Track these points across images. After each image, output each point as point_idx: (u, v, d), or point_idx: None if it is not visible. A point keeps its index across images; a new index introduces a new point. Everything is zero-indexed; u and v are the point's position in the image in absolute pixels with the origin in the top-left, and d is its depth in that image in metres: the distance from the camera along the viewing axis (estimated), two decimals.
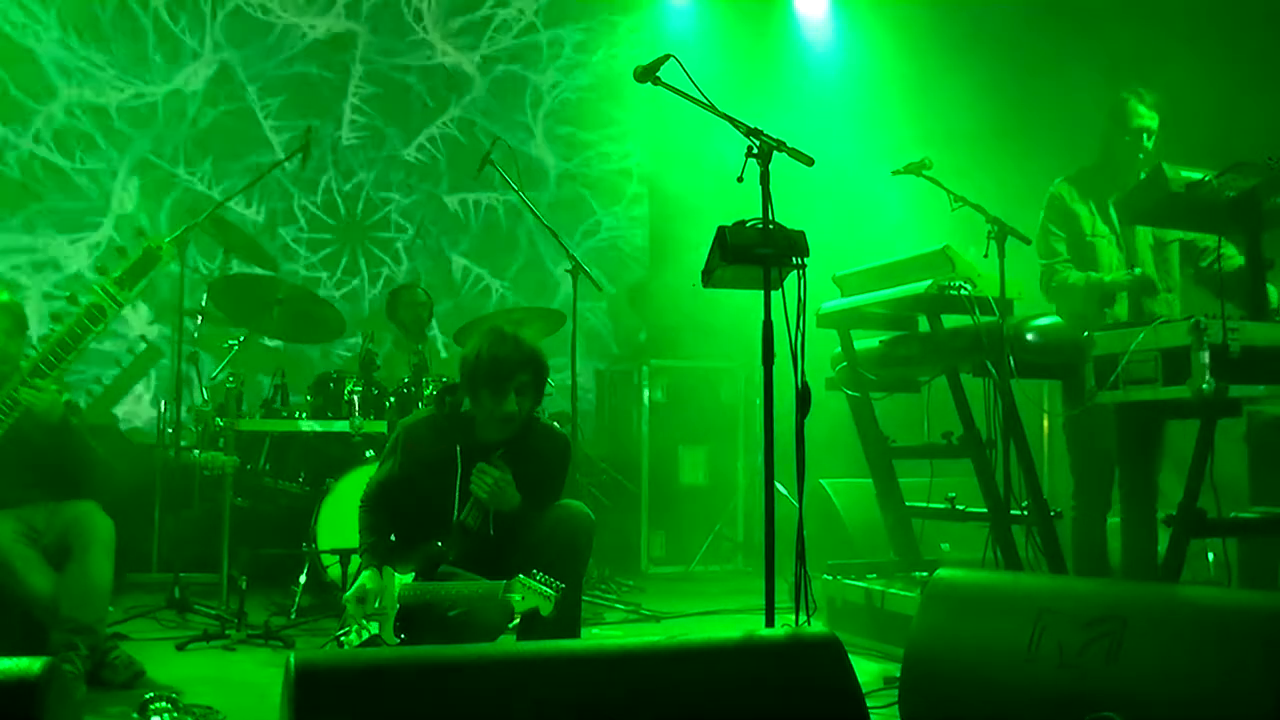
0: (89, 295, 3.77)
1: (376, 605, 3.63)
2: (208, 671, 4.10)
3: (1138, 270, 4.27)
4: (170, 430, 5.90)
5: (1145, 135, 4.33)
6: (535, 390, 3.73)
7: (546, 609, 3.28)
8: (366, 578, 3.66)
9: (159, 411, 6.54)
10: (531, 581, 3.30)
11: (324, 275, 7.65)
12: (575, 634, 3.62)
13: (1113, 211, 4.39)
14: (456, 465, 3.74)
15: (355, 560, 3.83)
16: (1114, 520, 4.35)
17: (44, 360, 3.73)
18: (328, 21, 7.73)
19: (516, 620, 3.77)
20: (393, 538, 3.82)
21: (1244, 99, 5.40)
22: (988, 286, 4.15)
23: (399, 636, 3.57)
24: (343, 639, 3.66)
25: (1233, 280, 4.17)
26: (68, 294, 3.87)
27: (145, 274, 3.81)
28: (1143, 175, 4.22)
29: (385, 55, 7.89)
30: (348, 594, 3.66)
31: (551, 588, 3.29)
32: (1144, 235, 4.39)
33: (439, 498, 3.74)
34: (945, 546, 5.83)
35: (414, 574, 3.65)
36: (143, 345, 7.15)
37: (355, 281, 7.74)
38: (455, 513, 3.71)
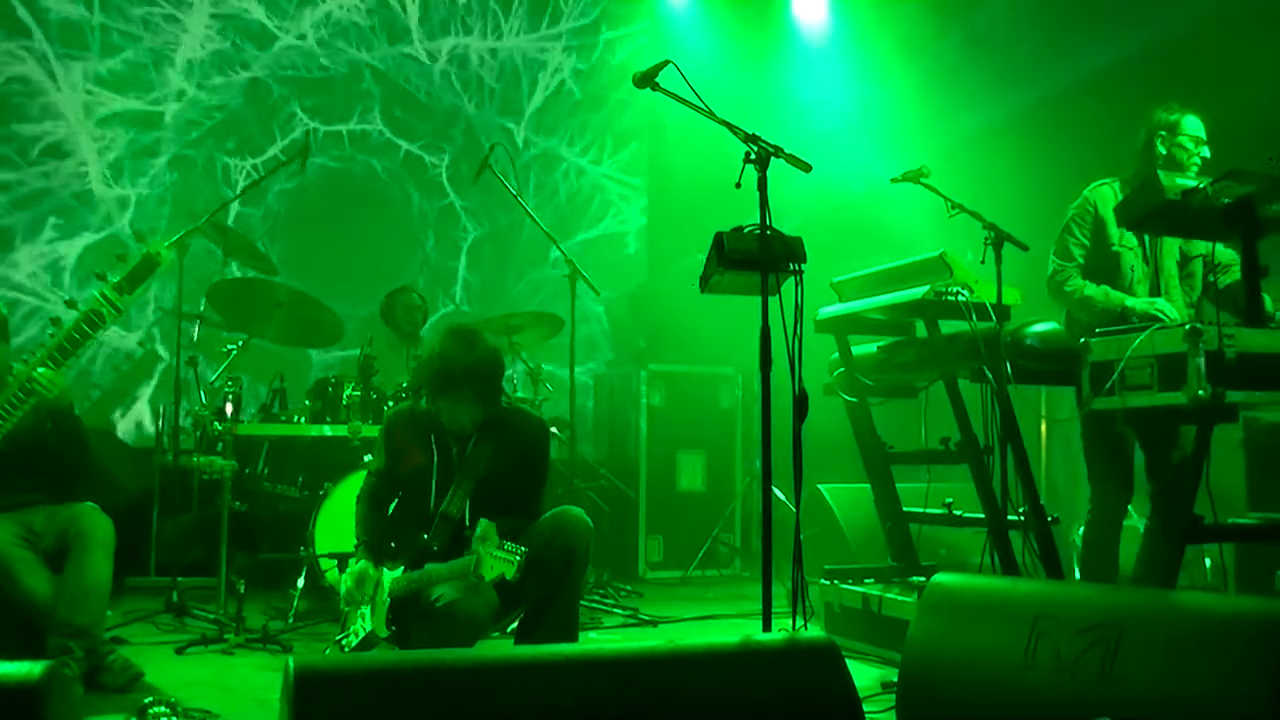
0: (88, 301, 3.78)
1: (372, 590, 3.67)
2: (206, 675, 4.10)
3: (1160, 305, 4.20)
4: (169, 435, 5.90)
5: (1205, 146, 4.29)
6: (483, 399, 3.74)
7: (510, 572, 3.35)
8: (365, 565, 3.76)
9: (157, 416, 6.55)
10: (498, 551, 3.38)
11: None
12: (573, 639, 3.64)
13: None
14: (432, 454, 3.82)
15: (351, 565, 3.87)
16: (1126, 525, 4.36)
17: (42, 365, 3.73)
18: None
19: (514, 625, 3.80)
20: (394, 544, 3.84)
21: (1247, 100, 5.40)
22: (985, 292, 4.15)
23: (390, 628, 3.61)
24: (343, 642, 3.69)
25: (1231, 292, 4.18)
26: (67, 299, 3.88)
27: (144, 279, 3.81)
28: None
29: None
30: (345, 579, 3.74)
31: (516, 553, 3.36)
32: (1170, 249, 4.36)
33: (418, 486, 3.84)
34: (943, 552, 5.84)
35: (403, 568, 3.69)
36: (141, 350, 7.16)
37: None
38: (432, 499, 3.78)
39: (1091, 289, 4.27)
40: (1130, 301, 4.18)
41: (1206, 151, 4.29)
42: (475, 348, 3.70)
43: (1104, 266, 4.34)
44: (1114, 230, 4.32)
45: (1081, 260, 4.34)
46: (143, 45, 7.21)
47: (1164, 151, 4.29)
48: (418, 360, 5.96)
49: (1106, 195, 4.38)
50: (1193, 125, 4.29)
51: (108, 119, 7.10)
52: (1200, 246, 4.34)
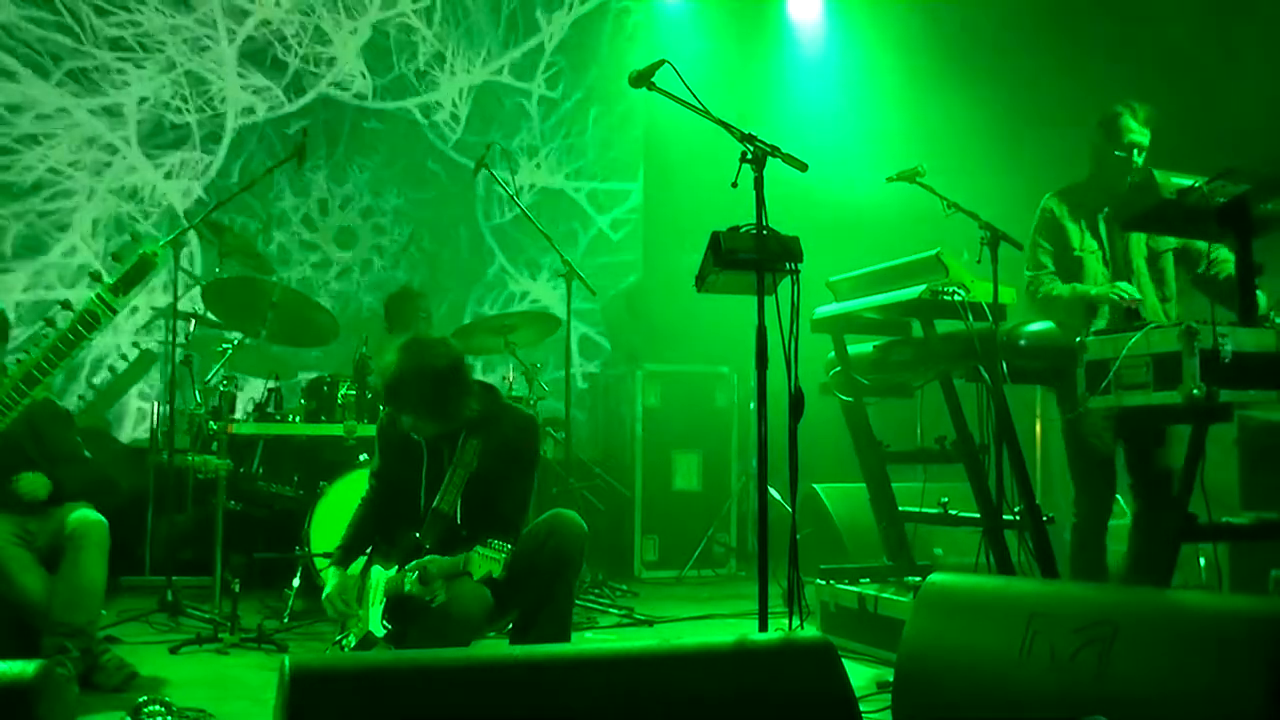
0: (83, 301, 3.78)
1: (342, 605, 3.68)
2: (201, 675, 4.09)
3: (1121, 286, 4.22)
4: (163, 434, 5.89)
5: (1136, 151, 4.27)
6: (433, 408, 3.69)
7: (497, 570, 3.36)
8: (329, 575, 3.79)
9: (152, 415, 6.53)
10: (485, 549, 3.39)
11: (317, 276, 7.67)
12: (566, 640, 3.65)
13: (1102, 227, 4.38)
14: (422, 453, 3.81)
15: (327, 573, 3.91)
16: (1113, 524, 4.37)
17: (37, 366, 3.73)
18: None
19: (509, 627, 3.80)
20: (387, 544, 3.85)
21: (1238, 100, 5.42)
22: (980, 292, 4.16)
23: (385, 628, 3.61)
24: (342, 643, 3.70)
25: (1229, 286, 4.19)
26: (62, 299, 3.87)
27: (140, 280, 3.81)
28: (1130, 181, 4.23)
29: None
30: (324, 600, 3.75)
31: (502, 551, 3.37)
32: (1138, 247, 4.37)
33: (409, 486, 3.83)
34: (938, 551, 5.84)
35: (396, 567, 3.69)
36: (137, 351, 7.15)
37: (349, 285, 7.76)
38: (422, 499, 3.78)
39: (1059, 287, 4.29)
40: (1094, 290, 4.20)
41: (1138, 157, 4.27)
42: (420, 360, 3.65)
43: (1071, 271, 4.37)
44: (1075, 236, 4.35)
45: (1051, 266, 4.38)
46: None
47: (1118, 155, 4.28)
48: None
49: (1056, 204, 4.41)
50: (1137, 126, 4.27)
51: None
52: (1168, 240, 4.36)
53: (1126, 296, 4.10)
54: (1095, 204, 4.38)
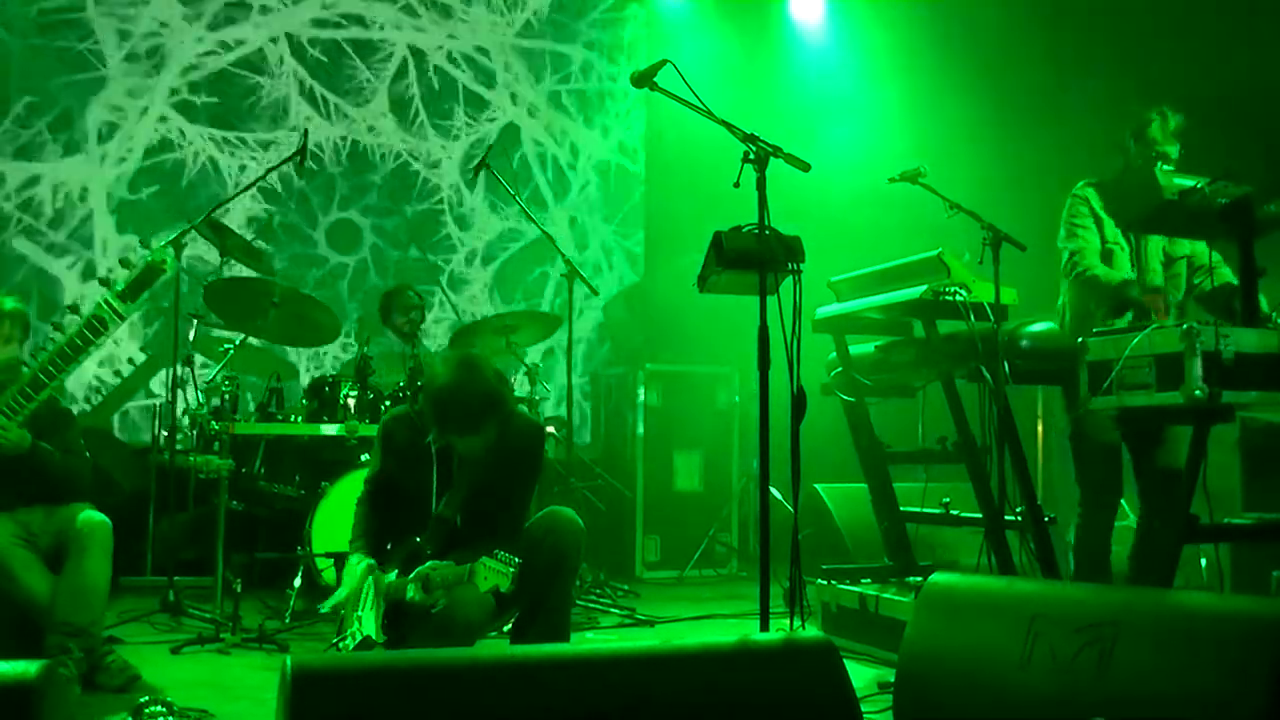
0: (91, 307, 3.77)
1: (363, 588, 3.67)
2: (202, 675, 4.09)
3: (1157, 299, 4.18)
4: (165, 434, 5.90)
5: (1161, 161, 4.24)
6: (498, 424, 3.70)
7: (505, 584, 3.33)
8: (355, 560, 3.72)
9: (154, 415, 6.54)
10: (492, 562, 3.35)
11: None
12: (566, 639, 3.65)
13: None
14: (432, 459, 3.79)
15: (349, 562, 3.86)
16: (1118, 525, 4.37)
17: (44, 370, 3.72)
18: None
19: (508, 627, 3.80)
20: (389, 546, 3.84)
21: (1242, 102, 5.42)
22: (982, 292, 4.16)
23: (385, 635, 3.60)
24: (340, 645, 3.69)
25: (1220, 294, 4.19)
26: (70, 303, 3.87)
27: (148, 286, 3.79)
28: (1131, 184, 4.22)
29: None
30: (337, 598, 3.71)
31: (510, 564, 3.33)
32: (1155, 250, 4.36)
33: (417, 491, 3.80)
34: (939, 552, 5.84)
35: (397, 572, 3.69)
36: (142, 356, 7.15)
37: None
38: (432, 503, 3.76)
39: (1103, 271, 4.22)
40: (1136, 293, 4.14)
41: (1173, 154, 4.23)
42: (477, 383, 3.61)
43: (1102, 260, 4.34)
44: (1109, 229, 4.32)
45: (1096, 245, 4.30)
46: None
47: (1143, 163, 4.25)
48: (414, 359, 5.96)
49: (1093, 194, 4.37)
50: (1152, 139, 4.24)
51: None
52: (1183, 247, 4.35)
53: (1162, 309, 4.04)
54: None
